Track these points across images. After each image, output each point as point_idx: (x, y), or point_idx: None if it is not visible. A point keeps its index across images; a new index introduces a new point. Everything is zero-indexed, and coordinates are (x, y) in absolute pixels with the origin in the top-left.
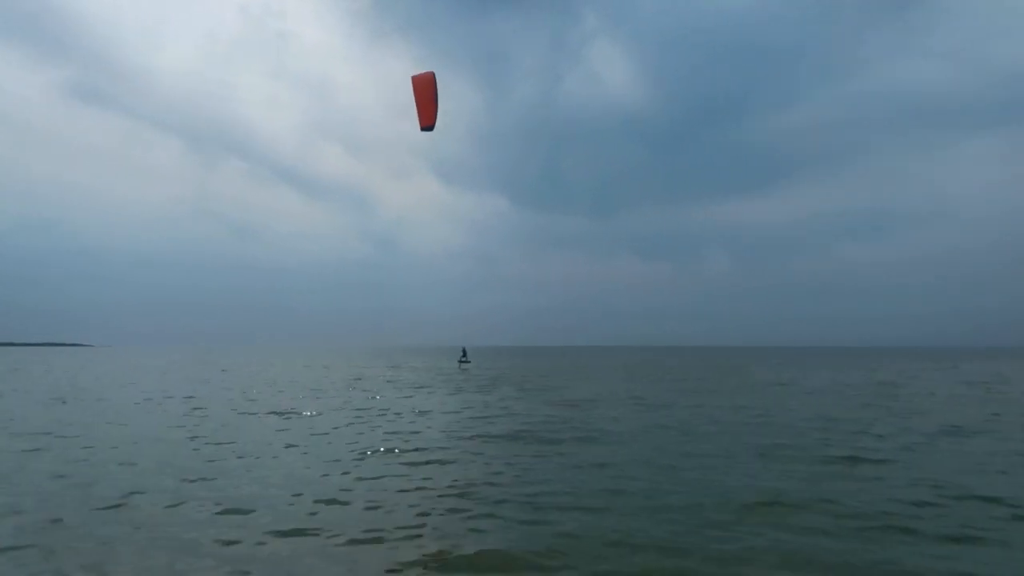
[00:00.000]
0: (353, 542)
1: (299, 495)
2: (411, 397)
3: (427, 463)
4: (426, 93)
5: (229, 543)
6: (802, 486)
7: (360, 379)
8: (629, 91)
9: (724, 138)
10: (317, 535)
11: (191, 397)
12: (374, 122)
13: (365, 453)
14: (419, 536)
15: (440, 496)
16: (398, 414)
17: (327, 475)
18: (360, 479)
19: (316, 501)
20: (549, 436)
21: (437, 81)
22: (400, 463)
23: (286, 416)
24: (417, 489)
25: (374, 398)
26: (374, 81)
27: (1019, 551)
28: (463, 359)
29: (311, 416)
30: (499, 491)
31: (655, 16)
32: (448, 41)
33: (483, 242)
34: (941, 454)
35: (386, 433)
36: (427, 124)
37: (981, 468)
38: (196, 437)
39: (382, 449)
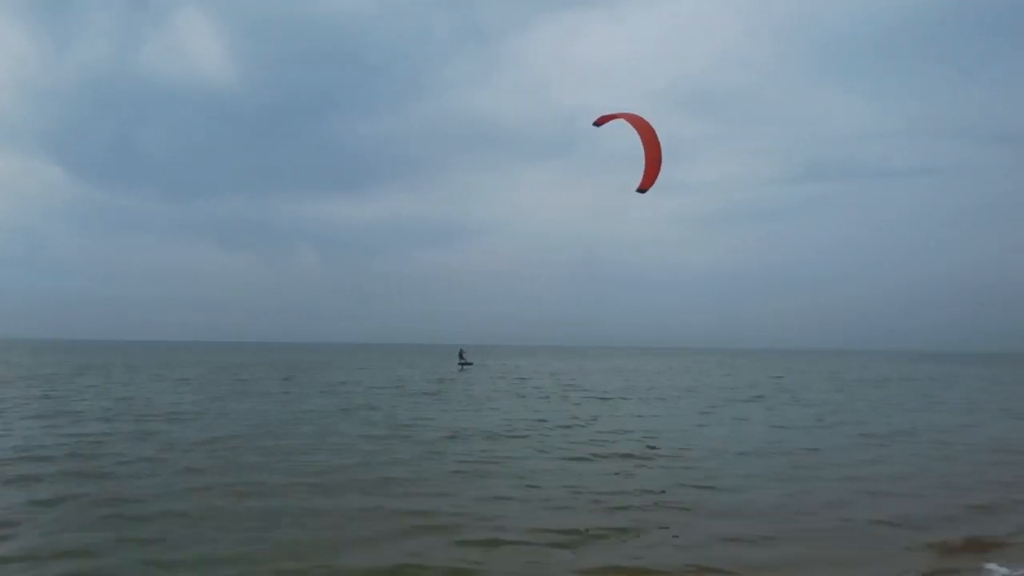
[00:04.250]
0: None
1: None
2: None
3: None
4: (657, 154)
5: None
6: None
7: None
8: (220, 71)
9: (317, 135)
10: None
11: None
12: None
13: None
14: None
15: None
16: None
17: None
18: None
19: None
20: None
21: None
22: None
23: None
24: None
25: None
26: None
27: None
28: (463, 361)
29: None
30: None
31: None
32: None
33: (27, 216)
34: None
35: None
36: (647, 188)
37: None
38: None
39: None
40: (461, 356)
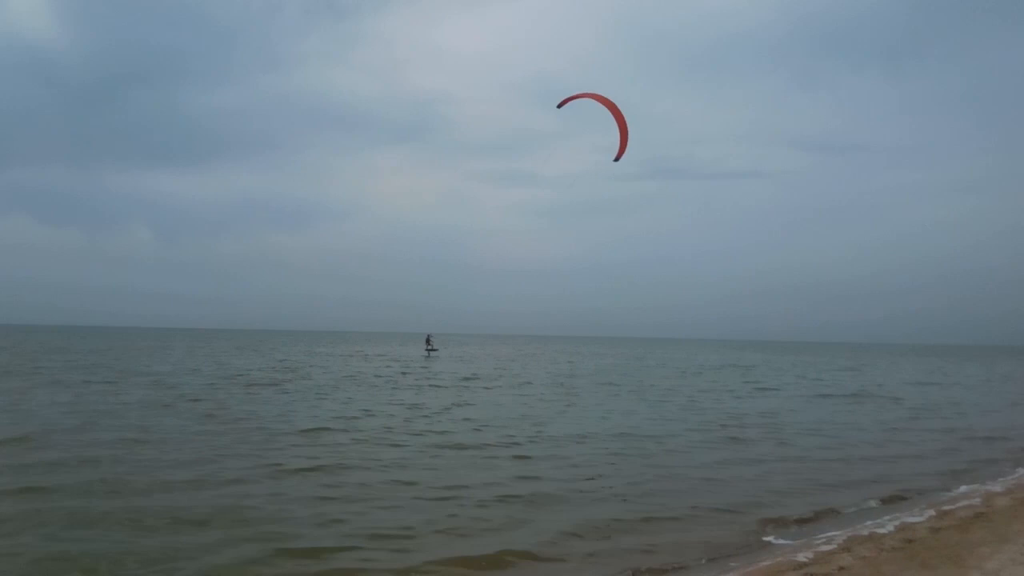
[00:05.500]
0: None
1: None
2: None
3: None
4: (626, 127)
5: None
6: None
7: None
8: (41, 24)
9: (154, 104)
10: None
11: None
12: None
13: None
14: None
15: None
16: None
17: None
18: None
19: None
20: None
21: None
22: None
23: None
24: None
25: None
26: None
27: None
28: (430, 347)
29: None
30: None
31: None
32: None
33: None
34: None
35: None
36: (619, 158)
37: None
38: None
39: None
40: (428, 342)
